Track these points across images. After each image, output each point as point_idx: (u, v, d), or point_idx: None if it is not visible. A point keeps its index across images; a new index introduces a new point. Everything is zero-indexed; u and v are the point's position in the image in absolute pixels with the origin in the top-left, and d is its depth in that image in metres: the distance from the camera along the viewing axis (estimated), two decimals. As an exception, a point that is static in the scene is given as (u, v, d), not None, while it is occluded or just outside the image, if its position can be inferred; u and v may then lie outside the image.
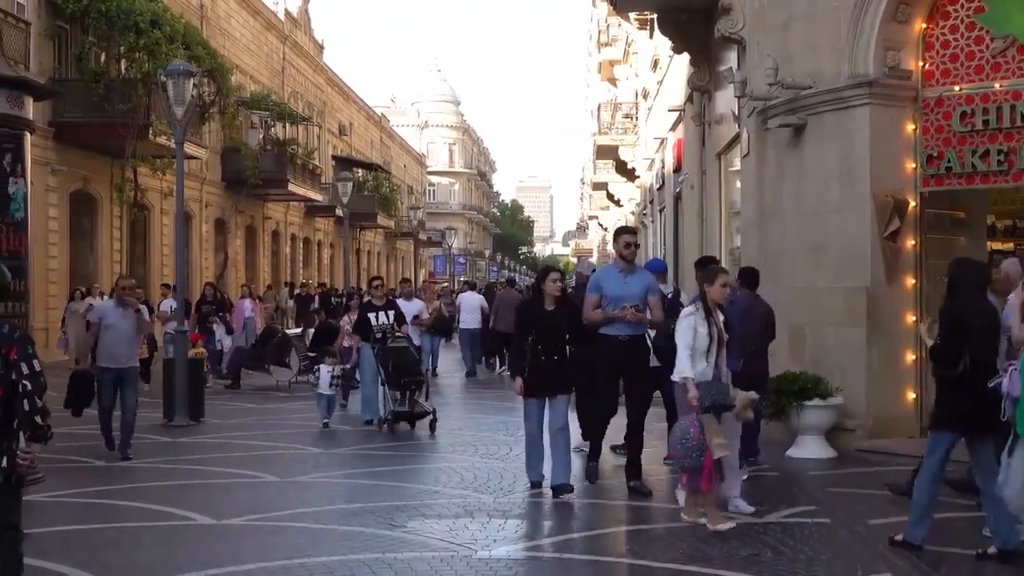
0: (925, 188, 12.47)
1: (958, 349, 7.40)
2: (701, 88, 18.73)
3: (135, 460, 11.99)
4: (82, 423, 12.89)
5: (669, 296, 11.63)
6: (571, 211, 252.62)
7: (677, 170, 24.42)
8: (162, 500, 9.89)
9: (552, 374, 9.74)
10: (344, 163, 47.95)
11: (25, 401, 5.72)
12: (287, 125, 41.32)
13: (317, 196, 43.59)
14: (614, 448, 11.57)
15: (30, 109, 11.46)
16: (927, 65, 12.45)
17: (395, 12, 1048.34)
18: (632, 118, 39.14)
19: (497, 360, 24.70)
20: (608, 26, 45.05)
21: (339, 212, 38.56)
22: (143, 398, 12.78)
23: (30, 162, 11.45)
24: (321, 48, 53.92)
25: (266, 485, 10.81)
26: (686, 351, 8.55)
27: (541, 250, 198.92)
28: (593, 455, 10.53)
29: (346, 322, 16.72)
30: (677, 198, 24.81)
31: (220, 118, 33.16)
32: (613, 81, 48.39)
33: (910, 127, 12.46)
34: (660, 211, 30.21)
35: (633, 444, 10.09)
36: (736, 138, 15.93)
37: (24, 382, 5.73)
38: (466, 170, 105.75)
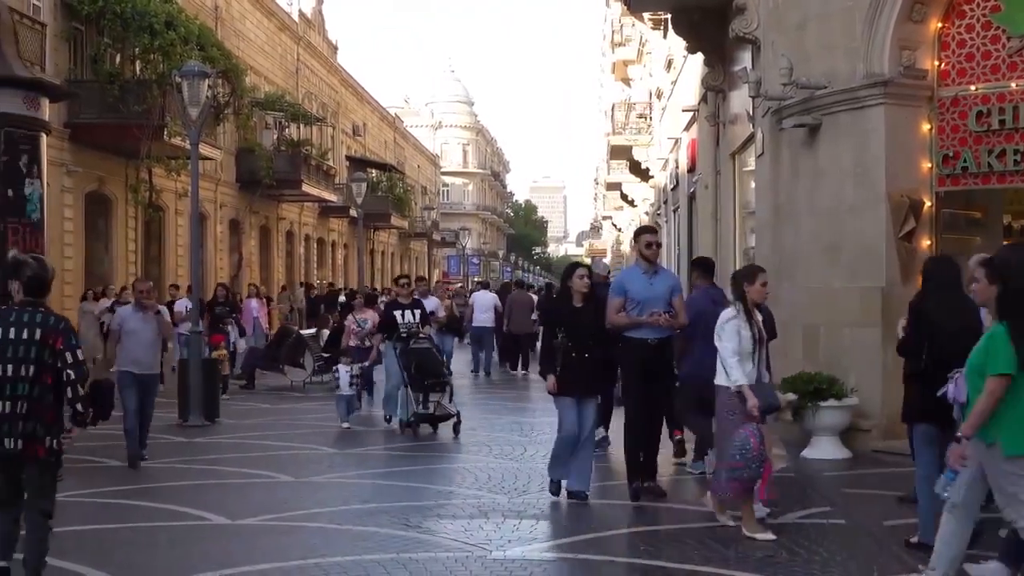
0: (941, 188, 12.43)
1: (919, 346, 7.51)
2: (715, 88, 18.69)
3: (150, 460, 11.98)
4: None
5: None
6: (585, 211, 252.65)
7: (691, 170, 24.38)
8: (177, 500, 9.92)
9: (583, 372, 9.50)
10: (358, 163, 47.96)
11: (69, 388, 6.40)
12: (301, 126, 41.37)
13: (331, 197, 43.61)
14: None
15: (46, 110, 11.50)
16: (943, 64, 12.40)
17: (409, 13, 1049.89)
18: (646, 118, 39.08)
19: (516, 362, 24.69)
20: (622, 26, 45.01)
21: (353, 212, 38.58)
22: (158, 398, 12.66)
23: (46, 163, 11.47)
24: (335, 49, 53.98)
25: (281, 485, 10.83)
26: (734, 357, 8.27)
27: (555, 250, 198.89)
28: (638, 472, 9.74)
29: (351, 321, 16.61)
30: (691, 198, 24.77)
31: (234, 119, 33.22)
32: (627, 81, 48.34)
33: (926, 127, 12.41)
34: (674, 211, 30.16)
35: (652, 445, 9.93)
36: (750, 138, 15.90)
37: (68, 371, 6.37)
38: (480, 170, 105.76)
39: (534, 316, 25.12)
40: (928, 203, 12.34)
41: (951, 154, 12.26)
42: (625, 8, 24.46)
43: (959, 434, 6.22)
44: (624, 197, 52.86)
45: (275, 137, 38.94)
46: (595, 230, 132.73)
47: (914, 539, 7.64)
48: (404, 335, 14.58)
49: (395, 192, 57.41)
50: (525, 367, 24.36)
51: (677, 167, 28.37)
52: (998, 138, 11.98)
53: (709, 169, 20.62)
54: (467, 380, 22.11)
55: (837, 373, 11.95)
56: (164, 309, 13.69)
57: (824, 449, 11.74)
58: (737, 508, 8.41)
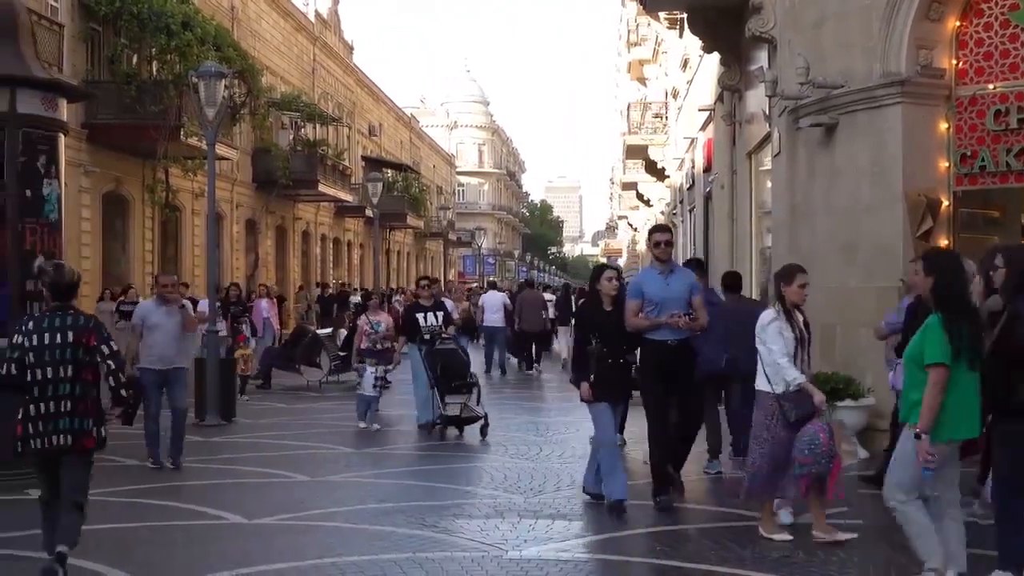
0: (958, 187, 12.37)
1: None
2: (731, 87, 18.66)
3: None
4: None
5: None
6: (600, 211, 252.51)
7: (707, 170, 24.35)
8: (194, 499, 9.97)
9: (617, 377, 9.31)
10: (374, 163, 48.02)
11: (111, 378, 6.92)
12: (317, 126, 41.44)
13: (347, 196, 43.68)
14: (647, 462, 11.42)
15: (64, 111, 11.51)
16: (960, 63, 12.35)
17: (424, 13, 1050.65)
18: (662, 118, 39.03)
19: (530, 361, 24.89)
20: (637, 25, 44.96)
21: (369, 212, 38.62)
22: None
23: (64, 164, 11.50)
24: (351, 49, 54.07)
25: (297, 485, 10.86)
26: (785, 358, 8.14)
27: (570, 250, 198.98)
28: (665, 483, 9.51)
29: (364, 322, 16.35)
30: (707, 198, 24.75)
31: (251, 119, 33.31)
32: (643, 81, 48.30)
33: (943, 126, 12.36)
34: (690, 211, 30.13)
35: (680, 455, 9.79)
36: (767, 137, 15.87)
37: (108, 362, 6.91)
38: (495, 170, 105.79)
39: (547, 315, 25.37)
40: (945, 202, 12.28)
41: (969, 153, 12.21)
42: (641, 7, 24.40)
43: (917, 431, 6.39)
44: (640, 197, 52.80)
45: (291, 137, 39.02)
46: (611, 230, 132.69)
47: None
48: (428, 337, 14.45)
49: (411, 192, 57.47)
50: (538, 364, 24.85)
51: (693, 167, 28.34)
52: (1016, 137, 11.91)
53: (725, 169, 20.59)
54: (481, 380, 22.11)
55: (854, 373, 11.92)
56: (188, 303, 13.52)
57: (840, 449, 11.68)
58: (755, 508, 8.38)
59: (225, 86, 16.60)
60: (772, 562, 7.47)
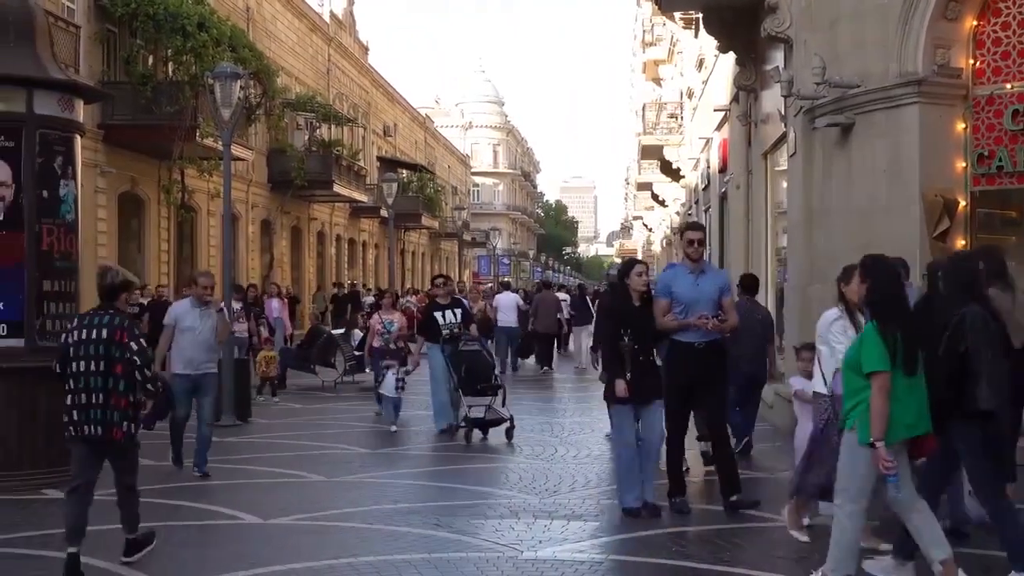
0: (976, 187, 12.31)
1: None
2: (747, 87, 18.60)
3: (184, 459, 12.01)
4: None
5: None
6: (615, 211, 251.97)
7: (723, 170, 24.28)
8: (210, 499, 9.99)
9: (645, 376, 9.01)
10: (389, 164, 48.08)
11: (137, 372, 7.39)
12: (332, 126, 41.49)
13: (362, 197, 43.73)
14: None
15: (80, 112, 11.55)
16: (978, 63, 12.29)
17: (439, 13, 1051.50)
18: (677, 118, 38.95)
19: (548, 360, 25.03)
20: (653, 26, 44.90)
21: (384, 213, 38.67)
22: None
23: (80, 164, 11.54)
24: (366, 50, 54.14)
25: (313, 485, 10.87)
26: None
27: (585, 250, 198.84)
28: (680, 485, 9.41)
29: (376, 321, 16.25)
30: (723, 198, 24.68)
31: (266, 120, 33.36)
32: (658, 81, 48.21)
33: (960, 126, 12.30)
34: (705, 211, 30.05)
35: (725, 458, 9.39)
36: (783, 138, 15.81)
37: (134, 358, 7.39)
38: (510, 171, 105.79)
39: (561, 315, 25.51)
40: (963, 203, 12.22)
41: (986, 153, 12.14)
42: (656, 7, 24.36)
43: (871, 440, 6.40)
44: (655, 197, 52.71)
45: (306, 138, 39.08)
46: (625, 230, 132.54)
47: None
48: (448, 336, 14.25)
49: (426, 192, 57.50)
50: (550, 364, 25.15)
51: (708, 167, 28.27)
52: (1034, 137, 11.85)
53: (741, 169, 20.53)
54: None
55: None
56: (224, 307, 13.19)
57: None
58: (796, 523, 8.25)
59: (240, 87, 16.62)
60: (788, 563, 7.44)
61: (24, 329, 10.74)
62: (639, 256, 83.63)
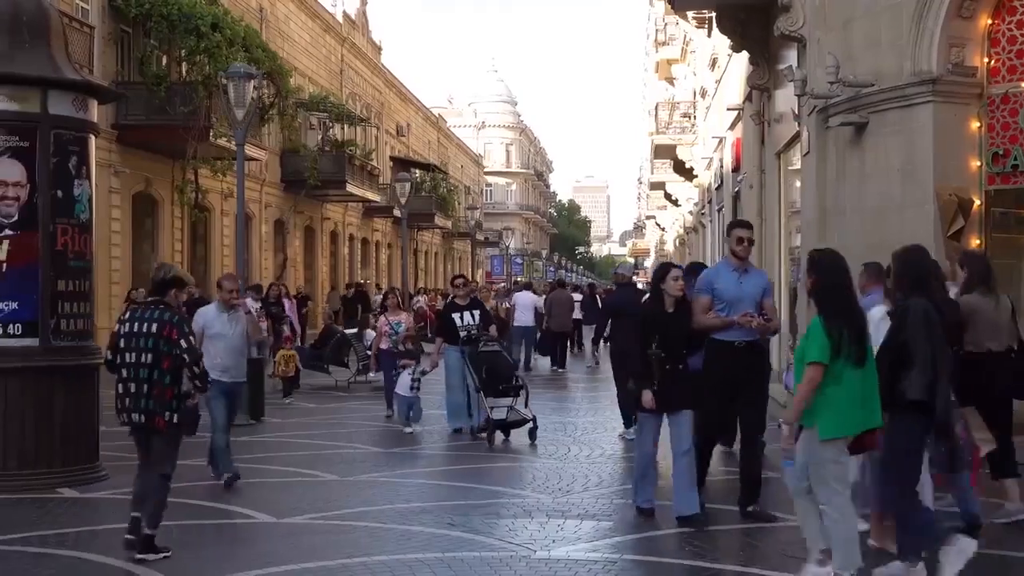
0: (990, 186, 12.27)
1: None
2: (760, 86, 18.57)
3: (195, 459, 11.85)
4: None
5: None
6: (628, 211, 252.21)
7: (736, 169, 24.25)
8: (223, 498, 10.01)
9: (675, 385, 8.76)
10: (402, 164, 48.12)
11: (186, 369, 7.75)
12: (345, 126, 41.53)
13: (375, 197, 43.76)
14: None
15: (94, 112, 11.58)
16: (992, 61, 12.24)
17: (452, 12, 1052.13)
18: (690, 117, 38.89)
19: (564, 360, 25.11)
20: (665, 25, 44.79)
21: (397, 213, 38.63)
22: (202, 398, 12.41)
23: (94, 164, 11.57)
24: (379, 50, 54.19)
25: (326, 484, 10.88)
26: None
27: (598, 250, 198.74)
28: (700, 483, 9.25)
29: (383, 323, 16.00)
30: (736, 198, 24.63)
31: (279, 120, 33.38)
32: (671, 80, 48.15)
33: (975, 124, 12.26)
34: (718, 211, 30.00)
35: (752, 461, 9.08)
36: (796, 137, 15.78)
37: (184, 355, 7.72)
38: (523, 170, 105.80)
39: (575, 315, 25.59)
40: (977, 202, 12.18)
41: (1001, 152, 12.10)
42: (669, 7, 24.32)
43: (780, 421, 6.58)
44: (668, 196, 52.64)
45: (320, 138, 39.14)
46: (638, 230, 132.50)
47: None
48: (466, 338, 14.09)
49: (439, 192, 57.52)
50: (563, 364, 25.24)
51: (721, 166, 28.23)
52: (1049, 135, 11.81)
53: (754, 168, 20.50)
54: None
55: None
56: (251, 307, 12.93)
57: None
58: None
59: (254, 87, 16.62)
60: (801, 563, 7.41)
61: (39, 329, 10.77)
62: (651, 256, 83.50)
